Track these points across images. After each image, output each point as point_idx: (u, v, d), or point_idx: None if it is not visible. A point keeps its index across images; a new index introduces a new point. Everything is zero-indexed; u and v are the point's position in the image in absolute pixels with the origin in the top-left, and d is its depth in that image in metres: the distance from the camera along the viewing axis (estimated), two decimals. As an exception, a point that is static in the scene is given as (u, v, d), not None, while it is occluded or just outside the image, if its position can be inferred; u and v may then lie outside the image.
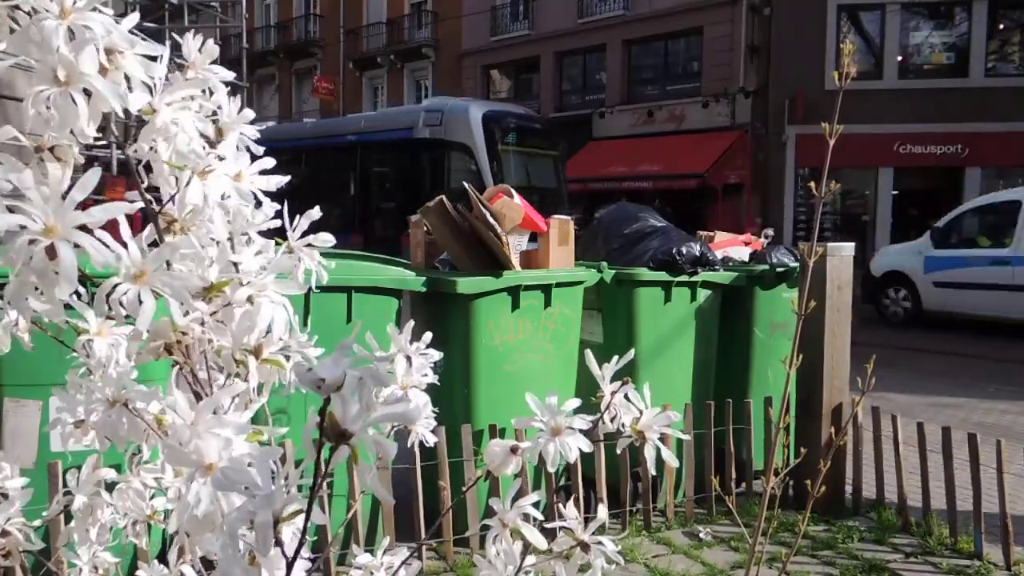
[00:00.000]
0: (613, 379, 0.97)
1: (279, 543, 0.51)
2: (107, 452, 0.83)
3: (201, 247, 0.69)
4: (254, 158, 0.78)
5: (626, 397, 0.95)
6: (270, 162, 0.78)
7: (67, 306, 0.63)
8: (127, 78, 0.63)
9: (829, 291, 4.07)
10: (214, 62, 0.79)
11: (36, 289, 0.58)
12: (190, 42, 0.77)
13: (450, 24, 25.38)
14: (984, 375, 8.22)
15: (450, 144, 14.56)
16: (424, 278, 3.59)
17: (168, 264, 0.65)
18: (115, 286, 0.59)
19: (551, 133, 16.51)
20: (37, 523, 0.94)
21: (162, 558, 0.97)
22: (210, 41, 0.77)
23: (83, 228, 0.57)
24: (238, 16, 17.23)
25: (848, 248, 4.18)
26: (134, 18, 0.66)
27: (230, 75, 0.80)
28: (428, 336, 1.07)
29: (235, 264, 0.74)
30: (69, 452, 0.86)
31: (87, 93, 0.60)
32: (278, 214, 0.82)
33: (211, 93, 0.77)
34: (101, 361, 0.75)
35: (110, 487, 0.97)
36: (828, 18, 18.76)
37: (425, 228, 4.12)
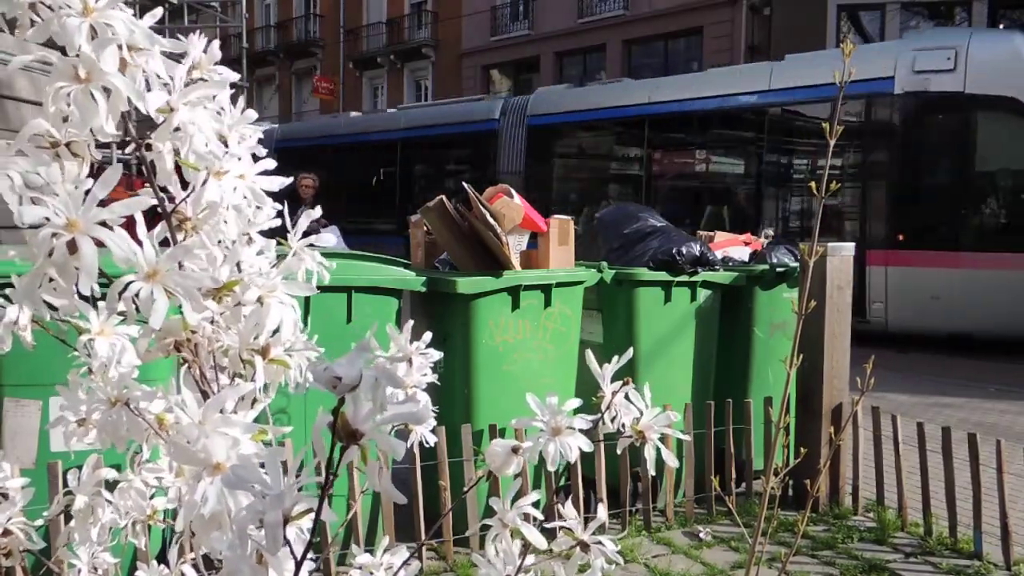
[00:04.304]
0: (613, 379, 0.97)
1: (288, 542, 0.52)
2: (109, 451, 0.84)
3: (212, 247, 0.69)
4: (256, 158, 0.78)
5: (627, 397, 0.95)
6: (271, 163, 0.78)
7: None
8: (146, 76, 0.63)
9: (829, 291, 4.08)
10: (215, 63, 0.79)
11: (50, 281, 0.58)
12: (195, 43, 0.77)
13: (450, 24, 25.37)
14: (984, 375, 8.22)
15: (981, 100, 9.18)
16: (424, 278, 3.59)
17: (180, 263, 0.65)
18: (127, 284, 0.60)
19: None
20: (38, 523, 0.94)
21: (162, 558, 0.97)
22: (215, 43, 0.77)
23: (102, 224, 0.57)
24: (238, 16, 17.19)
25: (848, 248, 4.19)
26: (157, 13, 0.66)
27: (235, 76, 0.80)
28: (428, 336, 1.07)
29: (240, 264, 0.75)
30: (70, 452, 0.86)
31: (106, 91, 0.60)
32: (279, 214, 0.82)
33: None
34: (103, 361, 0.75)
35: (111, 487, 0.97)
36: (828, 18, 18.75)
37: (425, 228, 4.12)
